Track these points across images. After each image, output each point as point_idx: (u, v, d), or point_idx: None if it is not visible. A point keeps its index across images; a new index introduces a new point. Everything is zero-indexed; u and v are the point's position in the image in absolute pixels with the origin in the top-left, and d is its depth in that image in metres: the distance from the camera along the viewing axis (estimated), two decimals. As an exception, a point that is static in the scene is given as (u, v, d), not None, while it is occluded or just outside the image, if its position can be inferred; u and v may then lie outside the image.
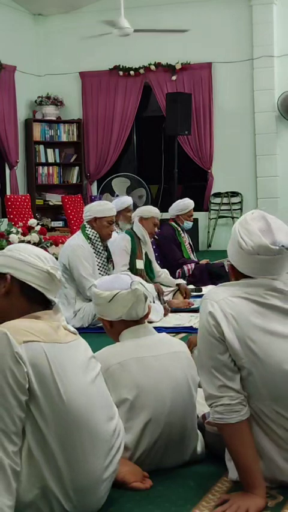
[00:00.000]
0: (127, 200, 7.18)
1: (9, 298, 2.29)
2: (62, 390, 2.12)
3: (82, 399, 2.16)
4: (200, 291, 6.56)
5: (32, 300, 2.28)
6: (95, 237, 5.58)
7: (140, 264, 6.15)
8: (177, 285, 6.43)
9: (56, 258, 5.56)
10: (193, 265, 7.23)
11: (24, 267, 2.27)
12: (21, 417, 2.07)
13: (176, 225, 7.34)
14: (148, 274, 6.18)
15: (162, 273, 6.45)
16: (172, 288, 6.41)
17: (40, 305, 2.29)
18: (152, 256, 6.38)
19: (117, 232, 6.54)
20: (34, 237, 6.65)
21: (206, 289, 6.33)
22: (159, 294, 5.97)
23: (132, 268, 6.04)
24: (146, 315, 2.79)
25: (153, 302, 5.63)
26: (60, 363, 2.14)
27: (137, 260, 6.14)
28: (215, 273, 7.03)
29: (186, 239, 7.43)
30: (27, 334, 2.11)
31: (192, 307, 6.10)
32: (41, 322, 2.21)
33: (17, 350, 2.07)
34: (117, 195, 10.88)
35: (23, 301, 2.28)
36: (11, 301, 2.29)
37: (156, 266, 6.45)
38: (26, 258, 2.29)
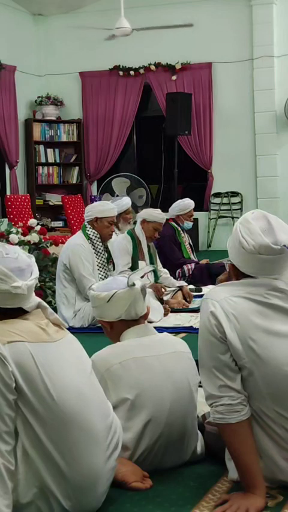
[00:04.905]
0: (127, 202, 6.98)
1: None
2: (51, 387, 2.13)
3: (73, 396, 2.17)
4: (200, 291, 6.56)
5: (10, 315, 2.22)
6: (96, 237, 5.58)
7: (142, 266, 6.10)
8: (180, 287, 6.40)
9: (56, 258, 5.57)
10: (193, 265, 7.23)
11: None
12: (11, 416, 2.09)
13: (176, 225, 7.33)
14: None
15: (163, 273, 6.43)
16: (173, 288, 6.39)
17: (23, 311, 2.24)
18: (154, 258, 6.33)
19: (116, 234, 6.50)
20: (34, 237, 6.63)
21: (206, 289, 6.32)
22: (159, 295, 5.91)
23: (135, 270, 5.98)
24: (146, 315, 2.79)
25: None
26: (47, 361, 2.15)
27: (139, 261, 6.10)
28: (215, 273, 7.02)
29: (186, 239, 7.43)
30: (11, 335, 2.13)
31: (193, 307, 6.10)
32: (27, 322, 2.21)
33: (1, 351, 2.08)
34: (117, 195, 10.86)
35: (2, 318, 2.22)
36: None
37: (159, 265, 6.42)
38: None
